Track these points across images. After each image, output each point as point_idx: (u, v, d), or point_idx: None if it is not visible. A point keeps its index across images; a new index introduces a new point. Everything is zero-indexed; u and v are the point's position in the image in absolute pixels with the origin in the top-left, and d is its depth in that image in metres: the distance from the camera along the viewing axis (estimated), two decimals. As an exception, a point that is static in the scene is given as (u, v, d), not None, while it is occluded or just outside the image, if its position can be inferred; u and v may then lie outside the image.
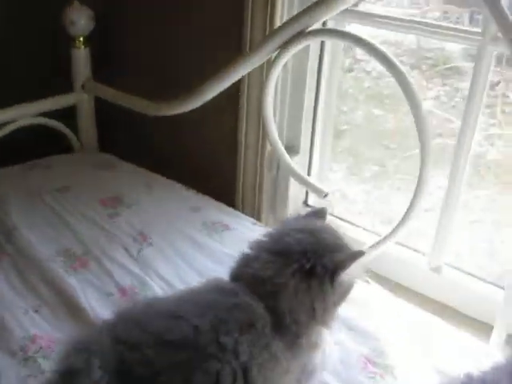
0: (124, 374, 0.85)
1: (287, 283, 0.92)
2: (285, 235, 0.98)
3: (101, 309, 1.30)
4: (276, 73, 1.54)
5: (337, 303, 0.97)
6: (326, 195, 1.54)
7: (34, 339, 1.23)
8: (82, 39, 1.97)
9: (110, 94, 2.00)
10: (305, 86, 1.72)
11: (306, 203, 1.92)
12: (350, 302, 1.01)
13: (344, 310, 1.02)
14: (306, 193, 1.91)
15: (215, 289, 0.97)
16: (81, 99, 2.05)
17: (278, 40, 1.48)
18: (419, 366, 1.21)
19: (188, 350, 0.86)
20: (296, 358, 0.93)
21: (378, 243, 1.48)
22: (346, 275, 0.93)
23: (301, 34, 1.46)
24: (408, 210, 1.43)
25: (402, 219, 1.44)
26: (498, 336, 1.40)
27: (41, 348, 1.21)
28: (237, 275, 0.99)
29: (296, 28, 1.45)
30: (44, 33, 1.97)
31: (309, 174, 1.84)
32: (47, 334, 1.24)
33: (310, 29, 1.46)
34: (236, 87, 1.65)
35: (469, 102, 1.46)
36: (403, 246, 1.73)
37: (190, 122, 1.81)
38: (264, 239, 1.01)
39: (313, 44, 1.64)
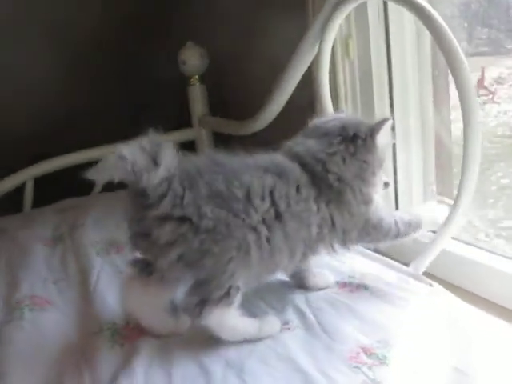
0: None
1: (336, 151, 1.11)
2: (322, 124, 1.18)
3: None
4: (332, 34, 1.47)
5: (377, 166, 1.14)
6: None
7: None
8: (197, 77, 2.12)
9: (224, 126, 2.07)
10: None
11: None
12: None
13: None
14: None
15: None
16: (199, 134, 2.17)
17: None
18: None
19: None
20: (341, 210, 1.10)
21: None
22: (381, 138, 1.13)
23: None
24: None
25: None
26: None
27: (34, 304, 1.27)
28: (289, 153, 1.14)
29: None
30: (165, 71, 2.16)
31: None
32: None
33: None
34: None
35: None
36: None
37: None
38: (304, 131, 1.19)
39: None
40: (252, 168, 1.06)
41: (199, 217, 0.97)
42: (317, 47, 1.50)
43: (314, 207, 1.08)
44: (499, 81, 1.66)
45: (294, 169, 1.09)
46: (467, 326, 1.06)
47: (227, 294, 1.01)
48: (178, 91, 2.17)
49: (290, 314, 1.13)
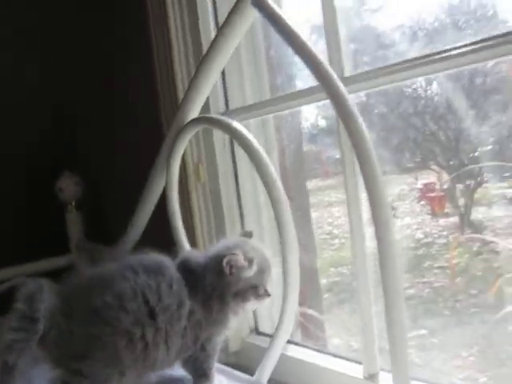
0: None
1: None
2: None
3: None
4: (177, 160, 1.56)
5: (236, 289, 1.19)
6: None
7: None
8: (73, 204, 2.19)
9: (98, 251, 2.12)
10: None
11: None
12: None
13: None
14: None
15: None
16: (77, 259, 2.19)
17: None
18: None
19: None
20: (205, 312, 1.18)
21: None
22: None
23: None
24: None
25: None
26: None
27: None
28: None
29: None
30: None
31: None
32: None
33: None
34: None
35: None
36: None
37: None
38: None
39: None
40: (127, 270, 1.14)
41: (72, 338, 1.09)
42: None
43: (187, 302, 1.16)
44: (400, 197, 1.77)
45: (170, 266, 1.19)
46: None
47: None
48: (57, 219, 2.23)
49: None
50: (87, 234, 2.23)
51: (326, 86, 1.06)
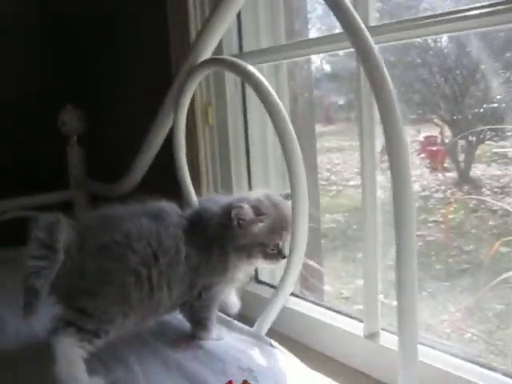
0: None
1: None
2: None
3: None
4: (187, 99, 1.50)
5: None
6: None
7: None
8: (75, 138, 2.15)
9: (98, 188, 2.09)
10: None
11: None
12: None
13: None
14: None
15: None
16: (76, 195, 2.17)
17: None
18: None
19: None
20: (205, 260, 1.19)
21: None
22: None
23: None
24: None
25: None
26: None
27: None
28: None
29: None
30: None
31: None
32: None
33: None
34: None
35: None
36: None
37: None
38: None
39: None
40: (132, 214, 1.18)
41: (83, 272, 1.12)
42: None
43: (182, 246, 1.17)
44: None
45: (171, 211, 1.21)
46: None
47: (93, 332, 1.10)
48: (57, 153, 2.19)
49: (120, 372, 1.13)
50: (88, 171, 2.20)
51: (351, 35, 1.01)
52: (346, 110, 1.86)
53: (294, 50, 1.44)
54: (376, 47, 0.98)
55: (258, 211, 1.17)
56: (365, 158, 1.26)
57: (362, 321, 1.33)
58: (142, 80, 1.98)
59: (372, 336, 1.29)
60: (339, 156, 1.96)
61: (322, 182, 1.89)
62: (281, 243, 1.21)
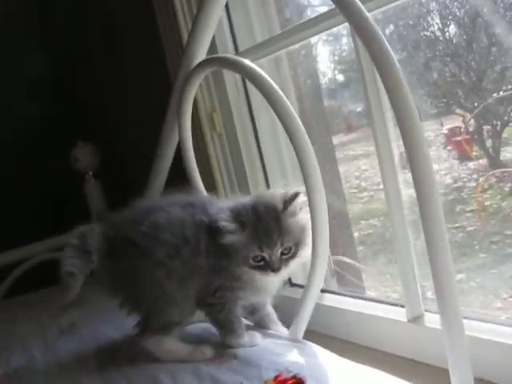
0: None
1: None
2: None
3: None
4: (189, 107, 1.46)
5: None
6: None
7: None
8: (91, 173, 2.12)
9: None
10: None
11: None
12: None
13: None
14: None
15: None
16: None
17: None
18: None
19: None
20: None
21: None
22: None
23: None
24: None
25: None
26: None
27: None
28: None
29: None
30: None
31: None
32: None
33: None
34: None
35: None
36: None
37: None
38: None
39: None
40: (170, 204, 1.19)
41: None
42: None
43: (203, 236, 1.15)
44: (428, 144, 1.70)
45: (209, 203, 1.20)
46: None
47: (164, 327, 1.17)
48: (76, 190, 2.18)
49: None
50: (108, 203, 2.16)
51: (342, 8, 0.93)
52: (365, 115, 1.83)
53: (291, 36, 1.38)
54: (370, 15, 0.91)
55: (236, 220, 1.12)
56: (381, 155, 1.22)
57: (403, 306, 1.24)
58: (144, 99, 1.95)
59: (416, 319, 1.21)
60: (366, 162, 1.92)
61: (353, 190, 1.86)
62: (267, 256, 1.13)
